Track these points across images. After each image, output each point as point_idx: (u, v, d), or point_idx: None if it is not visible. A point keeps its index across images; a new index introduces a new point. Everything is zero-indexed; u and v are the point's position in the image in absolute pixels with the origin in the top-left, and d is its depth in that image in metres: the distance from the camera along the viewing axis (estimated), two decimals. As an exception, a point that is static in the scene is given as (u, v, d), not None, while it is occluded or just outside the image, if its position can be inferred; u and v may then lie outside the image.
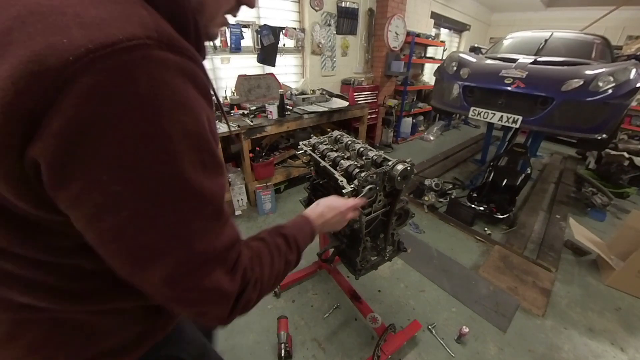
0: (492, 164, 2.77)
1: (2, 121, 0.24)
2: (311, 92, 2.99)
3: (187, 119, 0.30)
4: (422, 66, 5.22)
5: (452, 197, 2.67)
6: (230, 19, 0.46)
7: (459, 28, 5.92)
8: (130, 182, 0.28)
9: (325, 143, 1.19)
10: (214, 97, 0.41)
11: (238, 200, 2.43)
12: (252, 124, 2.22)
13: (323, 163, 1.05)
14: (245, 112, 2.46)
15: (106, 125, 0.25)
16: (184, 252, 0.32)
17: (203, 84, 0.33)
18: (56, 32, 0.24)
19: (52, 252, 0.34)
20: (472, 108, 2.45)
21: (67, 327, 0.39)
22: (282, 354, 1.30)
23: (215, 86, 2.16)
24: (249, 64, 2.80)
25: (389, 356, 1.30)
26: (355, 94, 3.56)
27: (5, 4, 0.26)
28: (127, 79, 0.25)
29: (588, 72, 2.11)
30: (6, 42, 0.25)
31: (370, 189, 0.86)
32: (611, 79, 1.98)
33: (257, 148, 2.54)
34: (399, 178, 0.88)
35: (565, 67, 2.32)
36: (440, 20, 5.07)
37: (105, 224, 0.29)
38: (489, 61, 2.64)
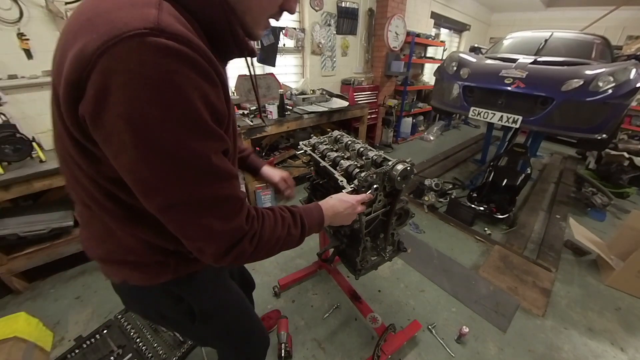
0: (492, 164, 2.77)
1: (67, 88, 0.38)
2: (311, 92, 2.99)
3: (170, 88, 0.37)
4: (422, 66, 5.21)
5: (452, 197, 2.67)
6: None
7: (459, 28, 5.92)
8: (129, 131, 0.37)
9: (325, 143, 1.19)
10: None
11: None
12: (252, 124, 2.22)
13: (323, 163, 1.04)
14: (245, 112, 2.46)
15: (113, 90, 0.36)
16: (172, 191, 0.42)
17: (201, 66, 0.40)
18: (94, 29, 0.36)
19: (102, 176, 0.47)
20: (472, 108, 2.45)
21: (109, 231, 0.55)
22: (282, 354, 1.30)
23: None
24: (249, 64, 2.80)
25: (389, 356, 1.30)
26: (355, 94, 3.56)
27: (82, 12, 0.41)
28: (124, 58, 0.35)
29: (588, 72, 2.11)
30: (75, 38, 0.38)
31: (376, 188, 0.87)
32: (611, 79, 1.98)
33: (257, 148, 2.54)
34: (399, 178, 0.88)
35: (565, 67, 2.32)
36: (440, 20, 5.07)
37: (120, 161, 0.40)
38: (489, 61, 2.64)
